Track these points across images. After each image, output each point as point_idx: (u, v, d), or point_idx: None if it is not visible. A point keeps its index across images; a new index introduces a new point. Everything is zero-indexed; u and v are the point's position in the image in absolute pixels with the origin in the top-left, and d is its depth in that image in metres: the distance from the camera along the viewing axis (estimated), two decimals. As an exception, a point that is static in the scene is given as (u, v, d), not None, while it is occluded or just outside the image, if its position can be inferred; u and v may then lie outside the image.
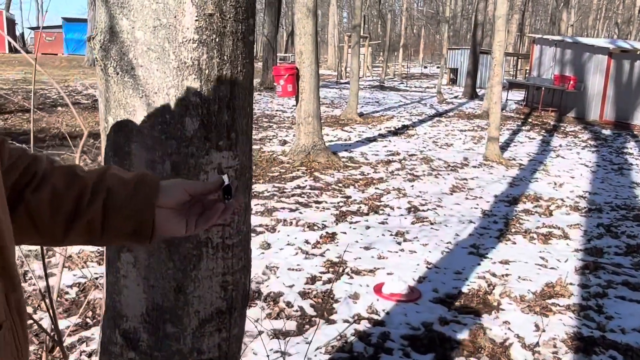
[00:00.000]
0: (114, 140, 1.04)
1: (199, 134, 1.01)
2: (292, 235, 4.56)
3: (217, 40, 0.98)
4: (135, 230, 0.75)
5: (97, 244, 0.80)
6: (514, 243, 4.68)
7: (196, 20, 0.95)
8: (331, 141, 9.12)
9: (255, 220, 4.79)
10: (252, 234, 4.31)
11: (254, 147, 5.81)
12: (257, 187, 6.04)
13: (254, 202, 5.28)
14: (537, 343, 2.97)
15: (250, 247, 1.22)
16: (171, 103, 0.98)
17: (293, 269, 3.87)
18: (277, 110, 13.06)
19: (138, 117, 1.00)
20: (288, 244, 4.35)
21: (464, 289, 3.67)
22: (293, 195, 5.85)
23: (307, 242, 4.43)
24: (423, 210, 5.55)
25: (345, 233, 4.70)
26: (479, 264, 4.14)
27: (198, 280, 1.10)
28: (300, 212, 5.22)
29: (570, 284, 3.80)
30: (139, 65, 0.98)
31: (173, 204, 0.77)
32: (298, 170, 7.05)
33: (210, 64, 0.98)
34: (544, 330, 3.10)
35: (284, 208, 5.32)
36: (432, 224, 5.12)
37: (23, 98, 10.74)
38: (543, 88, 14.49)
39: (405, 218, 5.26)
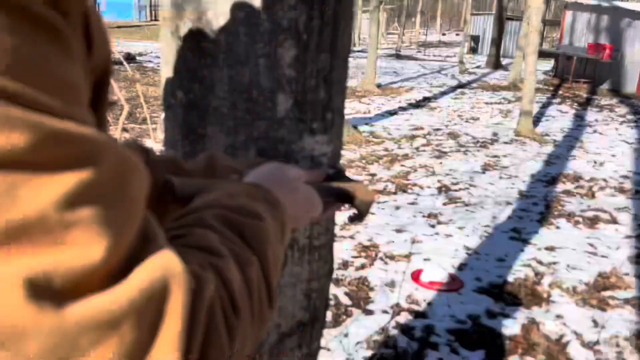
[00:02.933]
0: (185, 120, 0.90)
1: (292, 115, 0.86)
2: (318, 216, 4.45)
3: (318, -4, 0.83)
4: None
5: None
6: (558, 227, 4.54)
7: (296, -30, 0.79)
8: (349, 114, 8.93)
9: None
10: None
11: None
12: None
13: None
14: (597, 341, 2.86)
15: (333, 248, 1.09)
16: (260, 76, 0.83)
17: (322, 254, 3.76)
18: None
19: (217, 93, 0.85)
20: (314, 226, 4.24)
21: (510, 278, 3.55)
22: (314, 172, 5.72)
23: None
24: (455, 190, 5.40)
25: (374, 214, 4.58)
26: (523, 250, 4.01)
27: (280, 288, 0.97)
28: (324, 191, 5.09)
29: (626, 274, 3.67)
30: (221, 27, 0.83)
31: None
32: (317, 144, 6.90)
33: (309, 27, 0.83)
34: (603, 327, 2.98)
35: (306, 186, 5.20)
36: (466, 205, 4.98)
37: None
38: (575, 57, 14.12)
39: (437, 198, 5.12)
